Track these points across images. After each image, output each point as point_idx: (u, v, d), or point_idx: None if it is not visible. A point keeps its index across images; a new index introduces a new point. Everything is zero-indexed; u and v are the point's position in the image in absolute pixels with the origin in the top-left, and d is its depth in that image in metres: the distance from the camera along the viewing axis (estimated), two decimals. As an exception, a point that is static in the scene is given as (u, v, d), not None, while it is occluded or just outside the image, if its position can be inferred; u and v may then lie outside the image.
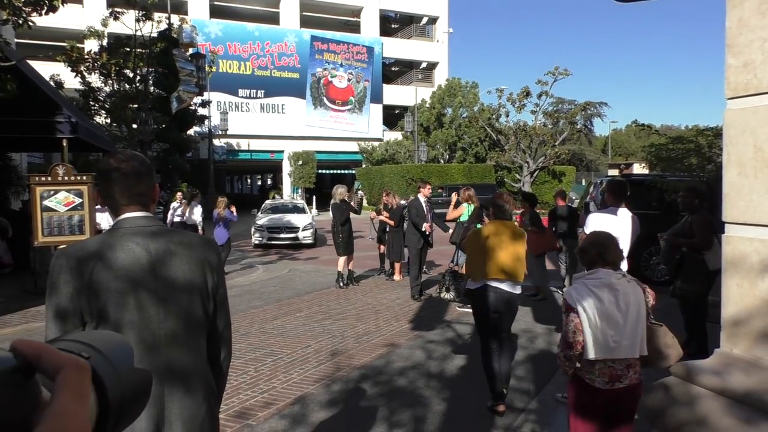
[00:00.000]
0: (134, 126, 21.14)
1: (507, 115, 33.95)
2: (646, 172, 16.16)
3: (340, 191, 10.95)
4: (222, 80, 35.66)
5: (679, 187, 8.68)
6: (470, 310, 6.09)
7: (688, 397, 2.81)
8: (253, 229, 17.92)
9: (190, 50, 22.99)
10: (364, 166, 40.26)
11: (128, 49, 20.54)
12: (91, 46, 21.79)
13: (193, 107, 24.51)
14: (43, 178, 9.32)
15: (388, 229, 11.52)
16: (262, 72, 38.67)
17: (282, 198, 31.16)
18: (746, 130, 2.61)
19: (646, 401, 3.05)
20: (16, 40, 16.72)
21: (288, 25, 40.10)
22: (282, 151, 39.61)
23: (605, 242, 3.17)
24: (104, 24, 20.25)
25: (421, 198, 9.87)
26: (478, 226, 6.94)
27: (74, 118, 10.05)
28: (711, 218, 5.85)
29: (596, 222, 5.32)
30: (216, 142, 33.25)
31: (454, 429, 4.59)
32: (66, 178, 9.28)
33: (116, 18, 18.63)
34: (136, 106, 20.81)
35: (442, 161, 38.30)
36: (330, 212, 11.46)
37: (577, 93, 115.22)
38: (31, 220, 9.36)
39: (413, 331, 7.64)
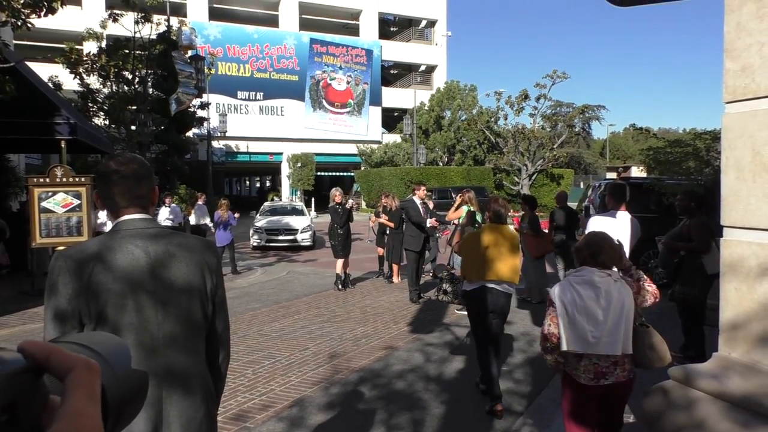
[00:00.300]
0: (133, 128, 21.12)
1: (505, 118, 34.03)
2: (644, 175, 16.18)
3: (332, 194, 10.97)
4: (221, 82, 35.66)
5: (677, 190, 8.70)
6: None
7: (686, 400, 2.81)
8: (251, 231, 17.91)
9: (189, 52, 23.01)
10: (362, 168, 40.26)
11: (127, 51, 20.53)
12: (89, 47, 21.78)
13: (192, 109, 24.48)
14: (42, 180, 9.32)
15: (388, 232, 11.49)
16: (261, 74, 38.69)
17: (281, 200, 31.16)
18: (744, 134, 2.61)
19: (644, 405, 3.05)
20: (14, 41, 16.71)
21: (287, 27, 40.13)
22: (281, 153, 39.60)
23: (600, 243, 3.24)
24: (103, 26, 20.25)
25: (416, 200, 9.86)
26: (474, 227, 6.96)
27: (73, 119, 10.04)
28: (709, 222, 5.85)
29: (596, 225, 5.33)
30: (215, 144, 33.23)
31: (453, 432, 4.59)
32: (64, 179, 9.28)
33: (115, 20, 18.66)
34: (134, 107, 20.81)
35: (440, 164, 38.32)
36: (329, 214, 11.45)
37: (576, 96, 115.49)
38: (28, 221, 9.35)
39: (412, 333, 7.64)
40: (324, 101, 40.73)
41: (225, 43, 37.30)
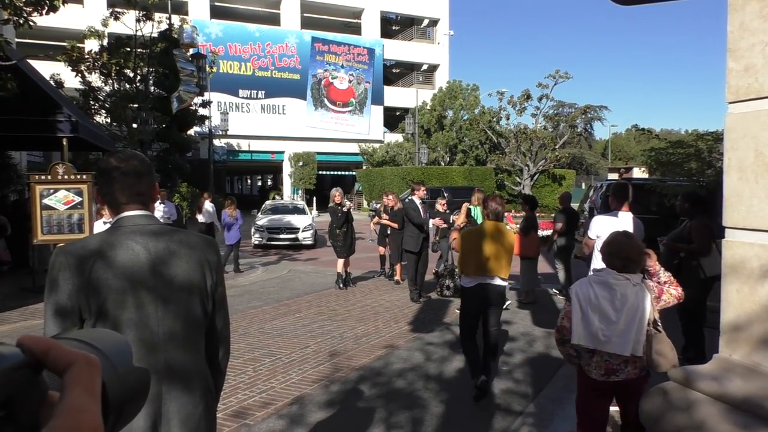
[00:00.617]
0: (134, 126, 21.13)
1: (507, 118, 34.00)
2: (646, 176, 16.17)
3: (335, 195, 10.94)
4: (222, 81, 35.66)
5: (679, 191, 8.70)
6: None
7: (686, 402, 2.81)
8: (253, 230, 17.91)
9: (191, 50, 22.96)
10: (364, 167, 40.26)
11: (129, 49, 20.52)
12: (91, 45, 21.77)
13: (193, 107, 24.50)
14: (43, 177, 9.32)
15: (389, 232, 11.40)
16: (262, 73, 38.69)
17: (282, 199, 31.17)
18: (747, 135, 2.60)
19: (644, 406, 3.05)
20: (16, 39, 16.73)
21: (289, 26, 40.12)
22: (282, 152, 39.61)
23: (618, 244, 3.30)
24: (105, 24, 20.23)
25: (416, 200, 9.83)
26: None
27: (74, 117, 10.05)
28: (710, 224, 5.84)
29: (599, 225, 5.32)
30: (216, 142, 33.23)
31: (452, 431, 4.59)
32: (66, 176, 9.28)
33: (117, 18, 18.63)
34: (136, 105, 20.81)
35: (442, 164, 38.31)
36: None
37: (578, 96, 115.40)
38: (29, 218, 9.36)
39: (412, 332, 7.63)
40: (326, 100, 40.72)
41: (226, 42, 37.29)
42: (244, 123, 37.58)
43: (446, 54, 45.81)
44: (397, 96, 44.16)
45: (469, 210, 9.55)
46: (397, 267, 11.49)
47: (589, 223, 5.77)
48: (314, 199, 34.87)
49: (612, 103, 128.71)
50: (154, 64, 21.55)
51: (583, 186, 37.97)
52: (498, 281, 5.26)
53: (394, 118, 44.85)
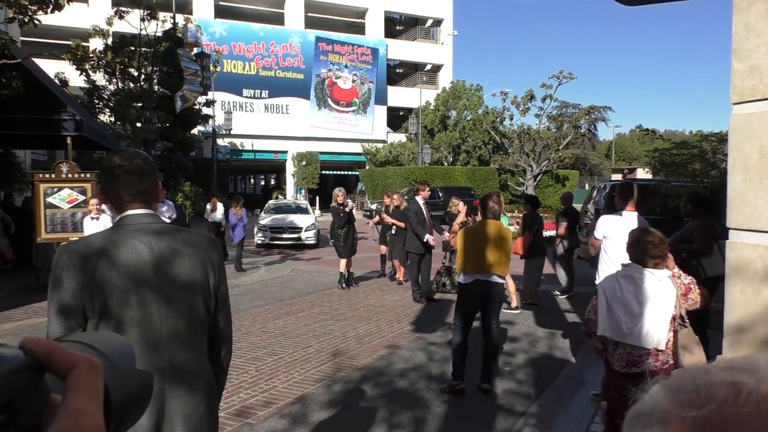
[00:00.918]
0: (138, 125, 21.17)
1: (511, 119, 33.92)
2: (650, 177, 16.14)
3: (335, 194, 10.91)
4: (226, 80, 35.68)
5: (683, 192, 8.67)
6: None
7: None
8: (256, 229, 17.93)
9: (195, 50, 23.03)
10: (367, 167, 40.25)
11: (133, 48, 20.55)
12: (96, 44, 21.84)
13: (197, 107, 24.50)
14: (47, 175, 9.35)
15: (393, 231, 11.23)
16: (266, 72, 38.71)
17: (285, 198, 31.18)
18: (752, 136, 2.59)
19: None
20: (21, 38, 16.77)
21: (293, 25, 40.14)
22: (286, 152, 39.63)
23: (637, 240, 3.42)
24: (109, 23, 20.28)
25: (420, 200, 9.75)
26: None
27: (79, 116, 10.08)
28: (713, 224, 5.82)
29: (604, 224, 5.28)
30: (220, 141, 33.27)
31: (454, 431, 4.58)
32: (70, 175, 9.32)
33: (121, 17, 18.69)
34: (140, 104, 20.85)
35: (445, 164, 38.28)
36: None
37: (582, 97, 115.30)
38: (33, 216, 9.39)
39: (414, 332, 7.63)
40: (329, 100, 40.73)
41: (230, 41, 37.32)
42: (248, 122, 37.61)
43: (450, 54, 45.76)
44: (400, 96, 44.13)
45: (472, 209, 9.54)
46: (402, 268, 11.32)
47: (595, 223, 5.75)
48: (317, 198, 34.89)
49: (616, 103, 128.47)
50: (159, 63, 21.57)
51: (587, 187, 37.89)
52: (496, 279, 5.33)
53: (397, 118, 44.84)
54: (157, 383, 1.76)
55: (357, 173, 41.01)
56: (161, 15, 20.71)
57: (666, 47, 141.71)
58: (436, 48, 45.38)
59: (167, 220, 12.27)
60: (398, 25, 47.36)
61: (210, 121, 27.99)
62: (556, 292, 10.13)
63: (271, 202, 21.74)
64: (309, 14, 40.89)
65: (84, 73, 20.10)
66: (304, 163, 38.64)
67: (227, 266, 1.89)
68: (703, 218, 5.99)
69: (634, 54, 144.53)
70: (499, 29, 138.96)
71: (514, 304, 8.79)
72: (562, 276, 10.10)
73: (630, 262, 3.40)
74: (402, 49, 44.41)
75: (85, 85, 20.86)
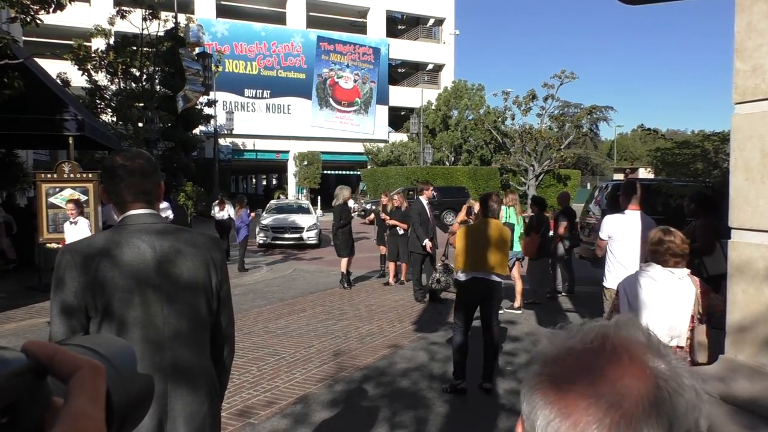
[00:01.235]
0: (140, 124, 21.21)
1: (513, 118, 33.92)
2: (652, 176, 16.11)
3: (345, 193, 10.89)
4: (228, 80, 35.69)
5: (685, 192, 8.66)
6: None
7: (692, 402, 2.79)
8: (257, 229, 17.93)
9: (197, 49, 23.05)
10: (369, 167, 40.25)
11: (135, 48, 20.59)
12: (98, 44, 21.87)
13: (199, 106, 24.56)
14: (49, 175, 9.36)
15: (401, 232, 10.97)
16: (268, 72, 38.71)
17: (287, 198, 31.21)
18: (754, 135, 2.59)
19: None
20: (23, 38, 16.79)
21: (294, 25, 40.14)
22: (287, 152, 39.63)
23: (656, 240, 3.46)
24: (111, 23, 20.32)
25: (423, 200, 9.72)
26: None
27: (80, 116, 10.09)
28: (715, 223, 5.82)
29: (610, 225, 5.25)
30: (221, 141, 33.30)
31: (456, 431, 4.58)
32: (72, 175, 9.33)
33: (123, 17, 18.72)
34: (142, 104, 20.88)
35: (447, 163, 38.26)
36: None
37: (583, 97, 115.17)
38: (36, 216, 9.40)
39: (416, 332, 7.63)
40: (331, 99, 40.73)
41: (232, 41, 37.33)
42: (250, 122, 37.63)
43: (452, 54, 45.73)
44: (402, 96, 44.11)
45: (470, 208, 9.50)
46: (404, 267, 11.20)
47: (600, 223, 5.72)
48: (319, 198, 34.90)
49: (618, 103, 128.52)
50: (160, 63, 21.60)
51: (589, 186, 37.86)
52: (493, 277, 5.37)
53: (399, 118, 44.82)
54: (160, 383, 1.76)
55: (358, 173, 41.01)
56: (163, 15, 20.73)
57: (668, 47, 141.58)
58: (438, 47, 45.35)
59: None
60: (400, 25, 47.34)
61: (212, 121, 28.02)
62: (560, 292, 10.12)
63: (272, 202, 21.76)
64: (311, 14, 40.89)
65: (86, 73, 20.13)
66: (305, 162, 38.64)
67: (229, 266, 1.89)
68: (706, 217, 5.99)
69: (636, 54, 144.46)
70: (501, 29, 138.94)
71: (517, 304, 8.78)
72: (563, 276, 10.10)
73: (649, 262, 3.44)
74: (404, 49, 44.40)
75: (87, 85, 20.89)
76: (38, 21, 8.93)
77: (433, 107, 39.66)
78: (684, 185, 9.59)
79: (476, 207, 9.48)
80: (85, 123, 10.05)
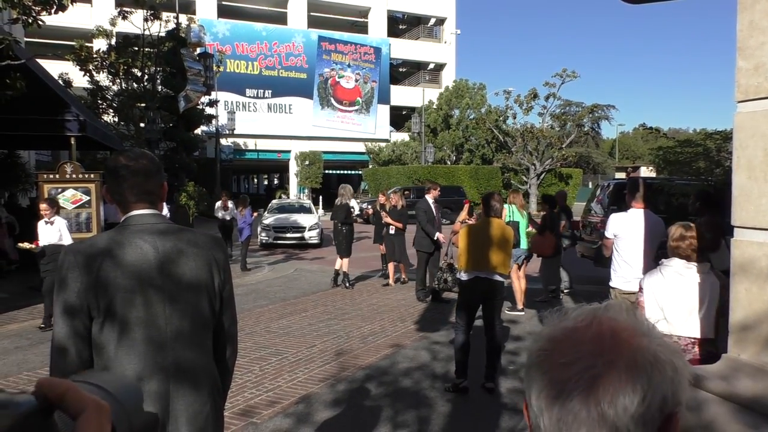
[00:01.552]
0: (142, 125, 21.22)
1: (514, 117, 33.93)
2: (654, 175, 16.10)
3: (349, 192, 10.89)
4: (229, 80, 35.71)
5: (687, 190, 8.65)
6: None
7: (694, 402, 2.79)
8: (259, 229, 17.94)
9: (198, 50, 23.05)
10: (370, 166, 40.26)
11: (136, 49, 20.61)
12: (99, 45, 21.88)
13: (200, 107, 24.56)
14: (51, 176, 9.38)
15: (390, 231, 11.01)
16: (269, 72, 38.73)
17: (288, 198, 31.21)
18: (757, 134, 2.59)
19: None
20: (25, 38, 16.82)
21: (295, 25, 40.15)
22: (289, 151, 39.65)
23: (678, 236, 3.52)
24: (113, 23, 20.34)
25: (429, 199, 9.72)
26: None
27: (82, 116, 10.10)
28: (720, 220, 5.81)
29: (615, 224, 5.21)
30: (223, 141, 33.31)
31: (459, 430, 4.58)
32: (74, 175, 9.34)
33: (124, 17, 18.74)
34: (143, 105, 20.90)
35: (448, 163, 38.26)
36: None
37: (585, 95, 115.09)
38: (38, 217, 9.40)
39: (418, 332, 7.63)
40: (332, 99, 40.74)
41: (233, 41, 37.35)
42: (251, 122, 37.64)
43: (453, 53, 45.71)
44: (403, 95, 44.11)
45: (471, 208, 9.50)
46: (402, 267, 11.21)
47: (606, 222, 5.68)
48: (320, 198, 34.90)
49: (619, 102, 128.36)
50: (162, 63, 21.62)
51: (590, 185, 37.83)
52: (496, 277, 5.37)
53: (400, 117, 44.82)
54: (162, 383, 1.76)
55: (360, 172, 41.02)
56: (164, 15, 20.74)
57: (670, 45, 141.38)
58: (439, 47, 45.34)
59: None
60: (401, 24, 47.34)
61: (213, 121, 28.02)
62: (564, 290, 10.12)
63: (274, 201, 21.77)
64: (312, 14, 40.90)
65: (87, 74, 20.16)
66: (307, 162, 38.65)
67: (231, 265, 1.89)
68: (710, 214, 5.99)
69: (638, 52, 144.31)
70: (502, 28, 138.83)
71: (519, 305, 8.77)
72: (564, 274, 10.10)
73: (670, 258, 3.47)
74: (405, 48, 44.39)
75: (89, 86, 20.92)
76: (40, 22, 8.94)
77: (435, 106, 39.66)
78: (686, 184, 9.57)
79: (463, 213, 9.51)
80: (87, 123, 10.06)
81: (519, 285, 8.81)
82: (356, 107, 41.42)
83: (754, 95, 2.60)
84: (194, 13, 34.43)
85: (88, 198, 9.36)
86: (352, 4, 41.90)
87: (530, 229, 9.37)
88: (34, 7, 8.78)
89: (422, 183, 31.11)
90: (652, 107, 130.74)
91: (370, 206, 15.85)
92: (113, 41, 21.16)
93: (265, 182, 59.60)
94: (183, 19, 23.94)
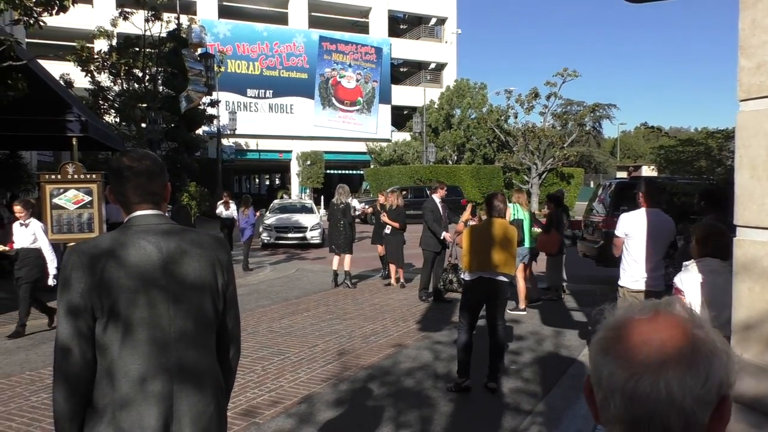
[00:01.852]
0: (143, 125, 21.26)
1: (515, 117, 33.90)
2: (655, 174, 16.08)
3: (346, 191, 10.90)
4: (230, 80, 35.75)
5: (689, 189, 8.64)
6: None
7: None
8: (261, 229, 17.96)
9: (199, 50, 23.09)
10: (372, 166, 40.27)
11: (137, 49, 20.66)
12: (100, 45, 21.92)
13: (201, 107, 24.60)
14: (53, 176, 9.38)
15: (390, 231, 10.94)
16: (270, 72, 38.76)
17: (290, 198, 31.22)
18: (759, 133, 2.58)
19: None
20: (27, 39, 16.84)
21: (296, 25, 40.17)
22: (290, 151, 39.68)
23: (706, 234, 3.55)
24: (114, 24, 20.38)
25: (436, 198, 9.66)
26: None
27: (84, 117, 10.11)
28: (724, 219, 5.79)
29: (626, 223, 5.15)
30: (224, 141, 33.35)
31: (461, 430, 4.58)
32: (76, 176, 9.33)
33: (126, 18, 18.77)
34: (145, 105, 20.94)
35: (450, 162, 38.25)
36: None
37: (586, 95, 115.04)
38: (40, 217, 9.41)
39: (421, 331, 7.63)
40: (333, 99, 40.75)
41: (234, 41, 37.38)
42: (252, 122, 37.67)
43: (454, 53, 45.71)
44: (404, 95, 44.12)
45: (474, 208, 9.51)
46: (399, 270, 11.03)
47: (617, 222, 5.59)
48: (322, 198, 34.91)
49: (621, 101, 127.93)
50: (163, 63, 21.66)
51: (592, 184, 37.80)
52: (499, 277, 5.37)
53: (401, 117, 44.82)
54: (166, 383, 1.76)
55: (361, 172, 41.02)
56: (165, 16, 20.77)
57: (671, 44, 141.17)
58: (440, 47, 45.34)
59: None
60: (402, 24, 47.35)
61: (214, 121, 28.06)
62: (566, 290, 10.11)
63: (276, 201, 21.79)
64: (312, 14, 40.92)
65: (89, 74, 20.20)
66: (308, 162, 38.67)
67: (233, 265, 1.87)
68: (715, 214, 5.97)
69: (639, 51, 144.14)
70: (503, 27, 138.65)
71: (522, 305, 8.77)
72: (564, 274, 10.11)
73: (703, 258, 3.48)
74: (406, 48, 44.40)
75: (90, 86, 20.96)
76: (41, 23, 8.95)
77: (436, 106, 39.66)
78: (688, 183, 9.56)
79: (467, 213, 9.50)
80: (89, 124, 10.07)
81: (522, 285, 8.81)
82: (357, 107, 41.44)
83: (757, 94, 2.60)
84: (195, 14, 34.47)
85: (90, 198, 9.36)
86: (353, 4, 41.92)
87: (535, 228, 9.38)
88: (35, 8, 8.79)
89: (423, 183, 31.20)
90: (654, 106, 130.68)
91: (366, 206, 15.86)
92: (114, 42, 21.20)
93: (267, 182, 59.64)
94: (184, 19, 23.98)
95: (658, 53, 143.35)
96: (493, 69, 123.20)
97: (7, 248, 7.73)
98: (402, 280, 11.04)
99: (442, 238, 9.33)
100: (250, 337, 7.10)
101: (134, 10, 18.68)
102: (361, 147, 40.92)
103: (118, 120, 22.26)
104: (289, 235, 17.76)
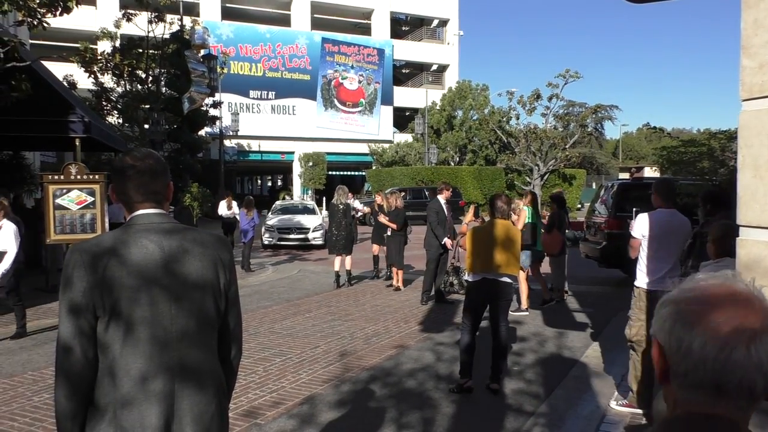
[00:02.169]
0: (146, 126, 21.28)
1: (517, 118, 33.82)
2: (658, 175, 16.06)
3: (345, 192, 10.93)
4: (233, 81, 35.80)
5: (691, 190, 8.63)
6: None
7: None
8: (263, 230, 17.97)
9: (202, 51, 23.14)
10: (374, 167, 40.28)
11: (141, 50, 20.69)
12: (104, 47, 21.96)
13: (204, 108, 24.62)
14: (56, 177, 9.40)
15: (390, 232, 10.95)
16: (273, 73, 38.81)
17: (292, 199, 31.25)
18: (762, 132, 2.58)
19: (657, 406, 3.03)
20: (30, 40, 16.88)
21: (299, 27, 40.23)
22: (292, 153, 39.71)
23: (722, 233, 3.61)
24: (117, 25, 20.42)
25: (441, 199, 9.61)
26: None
27: (87, 117, 10.13)
28: (727, 220, 5.78)
29: (644, 223, 5.10)
30: (227, 142, 33.37)
31: (463, 431, 4.58)
32: (78, 176, 9.35)
33: (129, 19, 18.80)
34: (148, 106, 20.96)
35: (452, 164, 38.24)
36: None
37: (588, 96, 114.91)
38: (43, 218, 9.43)
39: (422, 333, 7.63)
40: (335, 100, 40.79)
41: (237, 43, 37.44)
42: (255, 123, 37.72)
43: (456, 54, 45.72)
44: (406, 96, 44.13)
45: (477, 209, 9.53)
46: (399, 272, 10.90)
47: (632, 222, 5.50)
48: (324, 199, 34.92)
49: (623, 102, 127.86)
50: (166, 65, 21.70)
51: (594, 186, 37.77)
52: (503, 278, 5.37)
53: (403, 119, 44.83)
54: (167, 382, 1.76)
55: (363, 173, 41.02)
56: (168, 17, 20.81)
57: (673, 45, 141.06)
58: (442, 48, 45.36)
59: None
60: (404, 26, 47.38)
61: (217, 123, 28.09)
62: (567, 291, 10.11)
63: (278, 202, 21.81)
64: (315, 15, 40.97)
65: (92, 75, 20.24)
66: (310, 163, 38.70)
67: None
68: (722, 215, 5.94)
69: (641, 52, 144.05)
70: (505, 29, 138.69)
71: (524, 306, 8.76)
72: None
73: (724, 257, 3.51)
74: (408, 50, 44.41)
75: (93, 87, 21.00)
76: (45, 24, 8.98)
77: (438, 107, 39.66)
78: (691, 184, 9.55)
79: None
80: (92, 125, 10.09)
81: (524, 286, 8.80)
82: (359, 108, 41.46)
83: (759, 93, 2.59)
84: (198, 16, 34.50)
85: (93, 199, 9.38)
86: (355, 5, 41.97)
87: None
88: (39, 10, 8.82)
89: (425, 184, 31.18)
90: (656, 107, 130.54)
91: (365, 206, 15.88)
92: (117, 43, 21.24)
93: (269, 183, 59.68)
94: (187, 21, 24.01)
95: (660, 54, 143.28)
96: (494, 70, 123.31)
97: None
98: (398, 284, 10.79)
99: (442, 242, 9.27)
100: (251, 338, 7.11)
101: (137, 12, 18.72)
102: (363, 148, 40.93)
103: (120, 121, 22.29)
104: (291, 236, 17.77)
